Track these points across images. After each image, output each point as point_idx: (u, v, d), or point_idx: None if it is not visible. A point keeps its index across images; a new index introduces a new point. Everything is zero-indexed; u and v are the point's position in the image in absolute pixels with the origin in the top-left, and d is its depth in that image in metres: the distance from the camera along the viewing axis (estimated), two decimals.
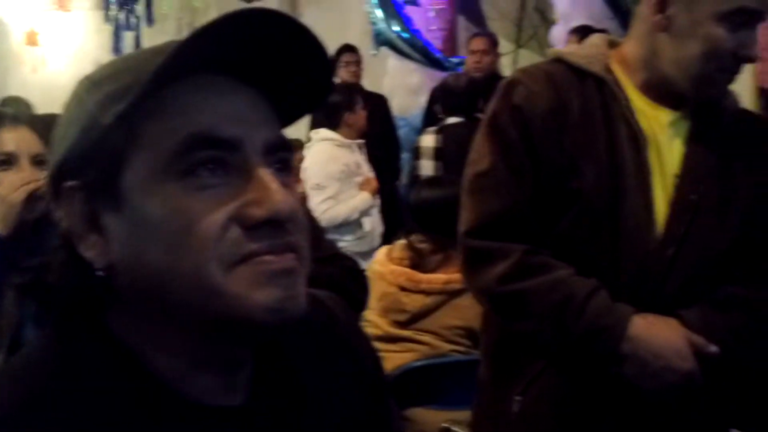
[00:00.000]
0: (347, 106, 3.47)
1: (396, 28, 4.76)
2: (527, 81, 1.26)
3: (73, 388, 0.57)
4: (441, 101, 3.84)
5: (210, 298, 0.56)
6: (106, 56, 6.61)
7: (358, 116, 3.50)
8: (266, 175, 0.57)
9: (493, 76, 4.23)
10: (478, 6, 5.53)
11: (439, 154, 3.64)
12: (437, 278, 2.04)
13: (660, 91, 1.26)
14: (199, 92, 0.58)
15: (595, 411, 1.23)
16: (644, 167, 1.22)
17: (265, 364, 0.64)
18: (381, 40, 4.83)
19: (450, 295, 2.01)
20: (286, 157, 0.61)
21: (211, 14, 6.22)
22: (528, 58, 5.26)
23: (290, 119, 0.66)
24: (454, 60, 4.94)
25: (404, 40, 4.78)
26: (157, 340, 0.60)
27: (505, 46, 4.90)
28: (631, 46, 1.28)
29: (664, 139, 1.25)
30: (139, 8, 6.16)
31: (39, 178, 1.57)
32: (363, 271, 1.79)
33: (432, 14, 5.03)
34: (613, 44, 1.32)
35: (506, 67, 4.69)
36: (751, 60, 1.24)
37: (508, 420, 1.27)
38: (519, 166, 1.23)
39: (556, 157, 1.22)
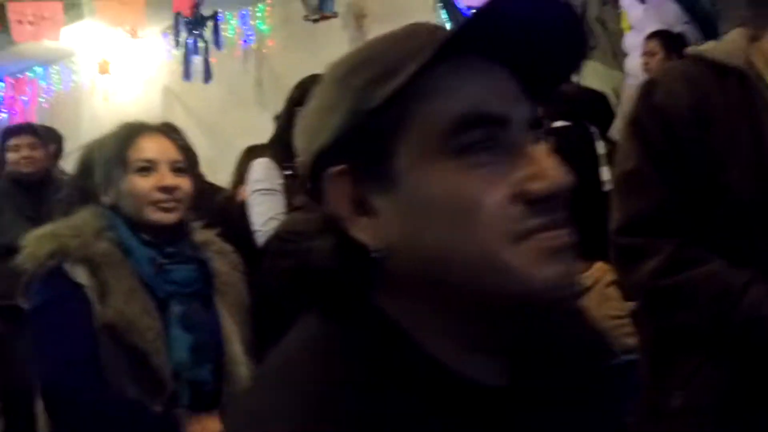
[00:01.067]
0: None
1: None
2: (666, 80, 1.28)
3: (359, 378, 0.56)
4: (549, 106, 3.80)
5: (494, 275, 0.55)
6: (175, 83, 6.79)
7: None
8: (540, 151, 0.57)
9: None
10: None
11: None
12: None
13: None
14: (463, 72, 0.58)
15: (758, 401, 1.20)
16: None
17: (522, 345, 0.63)
18: None
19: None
20: (540, 135, 0.60)
21: (277, 37, 6.37)
22: (593, 66, 5.22)
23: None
24: None
25: None
26: (429, 321, 0.59)
27: None
28: None
29: None
30: (207, 33, 6.30)
31: (178, 184, 1.63)
32: None
33: None
34: (755, 38, 1.29)
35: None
36: None
37: (670, 415, 1.25)
38: (664, 165, 1.23)
39: (700, 153, 1.21)
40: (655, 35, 3.99)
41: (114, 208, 1.63)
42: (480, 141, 0.56)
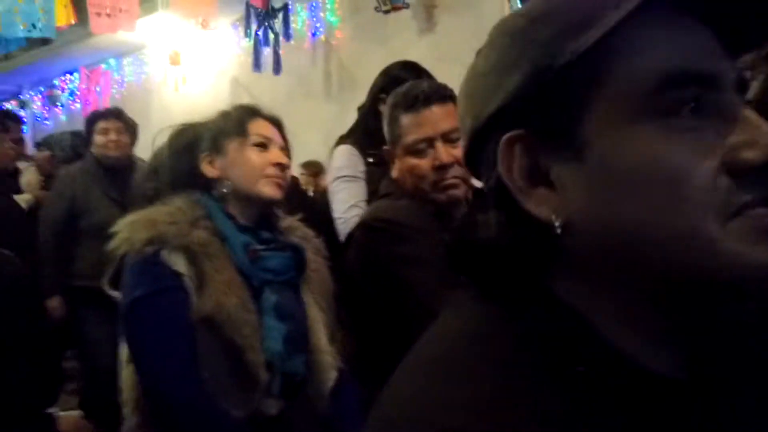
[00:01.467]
0: None
1: None
2: None
3: (535, 367, 0.50)
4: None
5: (700, 255, 0.48)
6: (244, 74, 6.86)
7: None
8: (751, 115, 0.49)
9: None
10: None
11: None
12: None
13: None
14: (663, 27, 0.51)
15: None
16: None
17: (706, 334, 0.56)
18: None
19: None
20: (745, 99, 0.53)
21: (346, 29, 6.36)
22: None
23: None
24: None
25: None
26: (610, 306, 0.52)
27: None
28: None
29: None
30: (277, 25, 6.33)
31: (288, 164, 1.65)
32: None
33: None
34: None
35: None
36: None
37: None
38: None
39: None
40: None
41: (213, 184, 1.61)
42: (686, 102, 0.50)
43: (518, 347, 0.52)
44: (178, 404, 1.43)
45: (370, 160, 2.45)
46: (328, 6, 6.37)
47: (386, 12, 5.60)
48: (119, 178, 3.47)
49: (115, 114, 3.55)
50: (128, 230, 1.52)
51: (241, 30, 6.56)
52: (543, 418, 0.48)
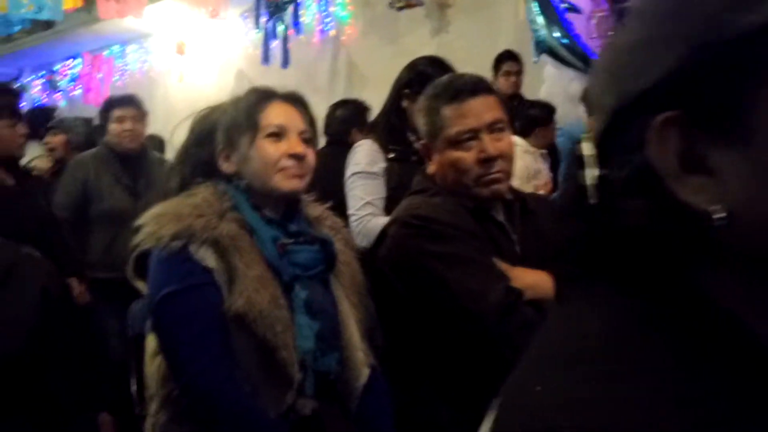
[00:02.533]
0: (543, 122, 4.04)
1: (557, 34, 4.61)
2: None
3: (693, 371, 0.46)
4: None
5: None
6: (250, 67, 6.79)
7: (549, 130, 3.93)
8: None
9: None
10: None
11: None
12: None
13: None
14: None
15: None
16: None
17: None
18: (542, 48, 4.69)
19: None
20: None
21: (357, 25, 6.29)
22: None
23: None
24: None
25: (565, 46, 4.62)
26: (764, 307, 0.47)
27: None
28: None
29: None
30: (286, 18, 6.27)
31: (307, 153, 1.55)
32: None
33: (594, 21, 4.85)
34: None
35: None
36: None
37: None
38: None
39: None
40: None
41: (232, 179, 1.54)
42: None
43: (670, 350, 0.47)
44: (219, 402, 1.37)
45: (392, 155, 2.39)
46: (339, 0, 6.31)
47: (399, 9, 5.54)
48: (132, 165, 3.41)
49: (132, 101, 3.48)
50: (154, 224, 1.45)
51: (250, 21, 6.48)
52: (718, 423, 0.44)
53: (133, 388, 1.73)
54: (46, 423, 1.71)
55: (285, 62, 6.21)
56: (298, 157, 1.53)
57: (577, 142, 3.97)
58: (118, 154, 3.42)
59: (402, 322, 1.65)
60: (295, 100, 1.62)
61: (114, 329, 3.01)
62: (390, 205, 2.20)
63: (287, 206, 1.58)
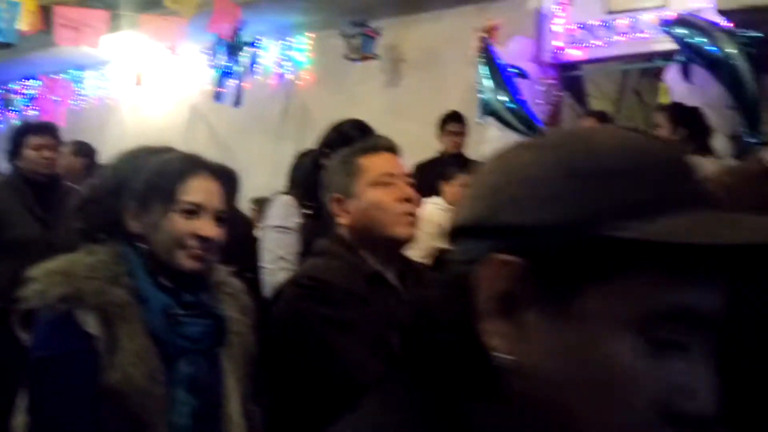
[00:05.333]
0: (444, 177, 3.96)
1: (503, 98, 4.73)
2: (732, 192, 1.08)
3: None
4: None
5: None
6: (204, 103, 6.80)
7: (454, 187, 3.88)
8: (705, 363, 0.52)
9: None
10: (582, 84, 5.50)
11: None
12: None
13: None
14: (702, 266, 0.50)
15: None
16: None
17: None
18: (487, 110, 4.80)
19: None
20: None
21: (313, 72, 6.36)
22: None
23: None
24: None
25: (510, 110, 4.74)
26: None
27: None
28: None
29: None
30: (244, 58, 6.31)
31: (216, 235, 1.52)
32: None
33: (540, 88, 4.99)
34: None
35: None
36: None
37: None
38: None
39: None
40: (663, 108, 3.92)
41: (135, 240, 1.51)
42: (675, 338, 0.50)
43: None
44: None
45: (308, 211, 2.41)
46: (298, 46, 6.39)
47: (355, 60, 5.63)
48: (44, 195, 3.30)
49: (50, 130, 3.38)
50: (44, 282, 1.41)
51: (208, 58, 6.51)
52: None
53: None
54: None
55: (237, 102, 6.24)
56: (206, 240, 1.50)
57: None
58: (30, 181, 3.31)
59: (288, 388, 1.64)
60: (221, 174, 1.59)
61: (5, 364, 2.92)
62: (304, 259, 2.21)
63: (191, 275, 1.54)
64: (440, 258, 0.60)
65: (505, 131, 4.76)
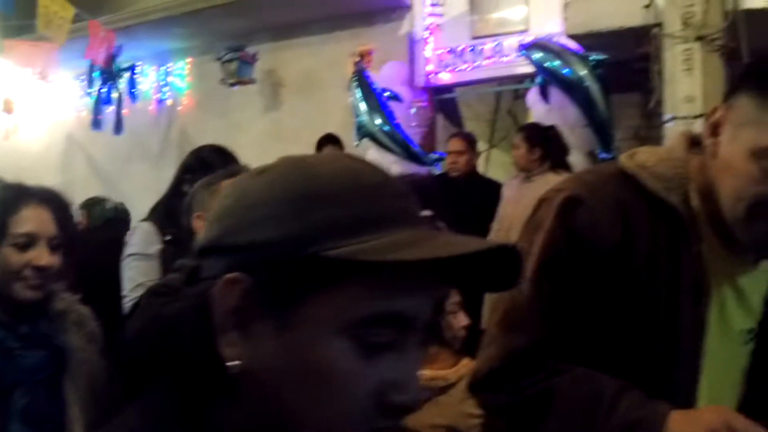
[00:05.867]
0: None
1: (378, 121, 4.86)
2: (592, 204, 1.07)
3: None
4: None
5: None
6: (81, 131, 6.60)
7: None
8: (416, 361, 0.60)
9: (471, 175, 4.34)
10: (456, 106, 5.71)
11: None
12: (421, 375, 1.99)
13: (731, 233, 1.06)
14: (404, 277, 0.58)
15: None
16: (701, 326, 1.07)
17: None
18: (363, 133, 4.92)
19: (434, 392, 1.96)
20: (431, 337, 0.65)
21: (193, 96, 6.31)
22: (500, 157, 5.43)
23: None
24: (433, 156, 5.05)
25: (385, 133, 4.87)
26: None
27: (479, 145, 5.03)
28: (711, 170, 1.06)
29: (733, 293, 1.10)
30: (122, 84, 6.19)
31: (52, 263, 1.52)
32: None
33: (413, 111, 5.16)
34: (697, 144, 1.10)
35: (479, 166, 4.81)
36: None
37: None
38: (562, 301, 1.09)
39: (607, 298, 1.07)
40: (519, 129, 4.08)
41: None
42: (383, 337, 0.57)
43: None
44: None
45: (169, 238, 2.41)
46: (177, 71, 6.33)
47: (232, 85, 5.63)
48: None
49: None
50: None
51: (83, 84, 6.34)
52: None
53: None
54: None
55: (118, 129, 6.10)
56: (41, 269, 1.49)
57: None
58: None
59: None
60: (51, 201, 1.57)
61: None
62: None
63: (29, 305, 1.53)
64: (193, 274, 0.64)
65: (383, 153, 4.90)
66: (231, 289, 0.58)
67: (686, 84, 3.17)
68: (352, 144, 4.94)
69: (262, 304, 0.57)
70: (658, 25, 3.31)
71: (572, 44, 4.44)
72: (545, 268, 1.08)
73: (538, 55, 4.43)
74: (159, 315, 0.65)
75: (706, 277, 1.06)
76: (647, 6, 3.31)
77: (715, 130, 1.04)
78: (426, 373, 1.97)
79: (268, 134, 5.71)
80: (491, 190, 4.06)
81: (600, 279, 1.05)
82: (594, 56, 4.28)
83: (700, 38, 3.16)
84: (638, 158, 1.11)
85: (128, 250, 2.40)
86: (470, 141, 4.39)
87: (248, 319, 0.58)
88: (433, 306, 0.61)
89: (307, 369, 0.56)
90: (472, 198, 4.10)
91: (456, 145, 4.32)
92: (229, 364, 0.58)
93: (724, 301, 1.09)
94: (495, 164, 5.52)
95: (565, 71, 4.33)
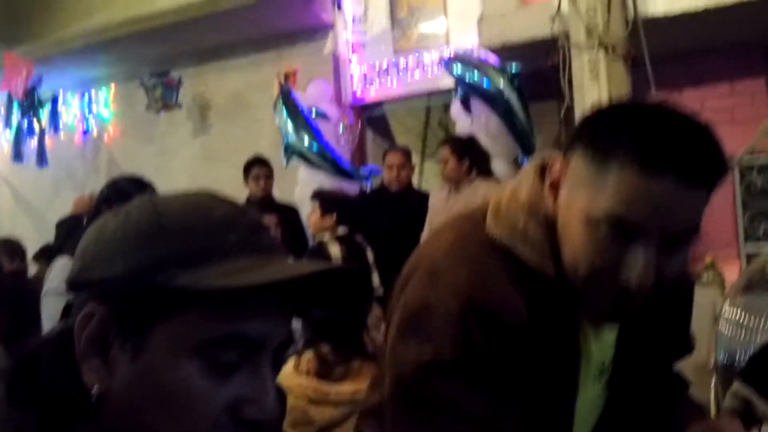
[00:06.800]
0: None
1: (306, 140, 4.88)
2: (489, 286, 0.94)
3: None
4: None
5: None
6: (4, 164, 6.43)
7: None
8: (268, 378, 0.64)
9: (408, 189, 4.40)
10: (386, 121, 5.78)
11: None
12: (345, 389, 2.02)
13: None
14: (248, 301, 0.62)
15: None
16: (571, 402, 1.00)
17: None
18: (291, 152, 4.94)
19: (358, 406, 1.99)
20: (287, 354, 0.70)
21: (119, 124, 6.23)
22: (433, 168, 5.51)
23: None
24: (364, 171, 5.10)
25: (314, 151, 4.90)
26: None
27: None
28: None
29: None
30: (44, 115, 6.06)
31: None
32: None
33: (341, 128, 5.21)
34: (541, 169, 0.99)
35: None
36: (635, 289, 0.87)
37: None
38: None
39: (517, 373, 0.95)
40: (444, 142, 4.14)
41: None
42: (230, 357, 0.62)
43: None
44: None
45: None
46: (102, 99, 6.23)
47: (158, 111, 5.59)
48: None
49: None
50: None
51: (2, 118, 6.19)
52: None
53: None
54: None
55: (42, 161, 5.97)
56: None
57: None
58: None
59: None
60: None
61: None
62: None
63: None
64: (66, 309, 0.69)
65: (315, 172, 4.93)
66: (88, 321, 0.62)
67: (593, 91, 3.31)
68: (281, 164, 4.95)
69: (119, 332, 0.62)
70: (566, 35, 3.45)
71: (491, 57, 4.57)
72: (460, 367, 0.92)
73: (458, 69, 4.54)
74: (24, 347, 0.68)
75: (579, 346, 0.99)
76: (554, 17, 3.44)
77: (555, 186, 0.95)
78: (348, 387, 2.01)
79: (198, 158, 5.68)
80: (426, 203, 4.12)
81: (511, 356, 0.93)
82: (510, 68, 4.42)
83: (603, 47, 3.30)
84: (504, 218, 0.98)
85: (46, 285, 2.37)
86: (408, 154, 4.45)
87: (108, 346, 0.62)
88: (287, 326, 0.66)
89: (161, 390, 0.60)
90: (410, 211, 4.15)
91: (396, 158, 4.35)
92: (93, 388, 0.62)
93: (586, 333, 1.01)
94: (428, 175, 5.61)
95: (485, 84, 4.46)
